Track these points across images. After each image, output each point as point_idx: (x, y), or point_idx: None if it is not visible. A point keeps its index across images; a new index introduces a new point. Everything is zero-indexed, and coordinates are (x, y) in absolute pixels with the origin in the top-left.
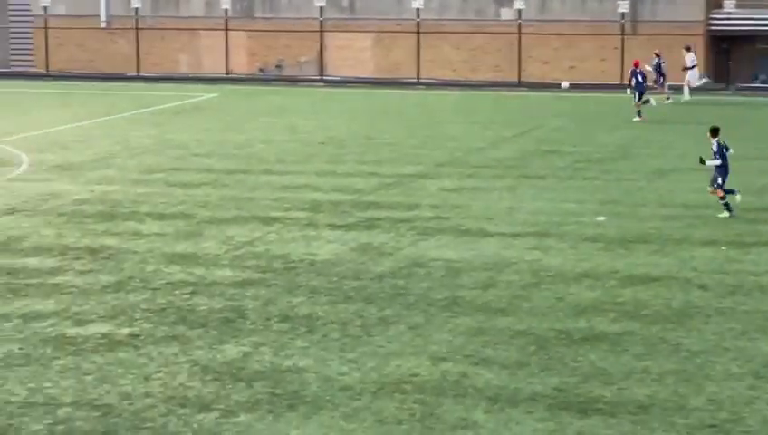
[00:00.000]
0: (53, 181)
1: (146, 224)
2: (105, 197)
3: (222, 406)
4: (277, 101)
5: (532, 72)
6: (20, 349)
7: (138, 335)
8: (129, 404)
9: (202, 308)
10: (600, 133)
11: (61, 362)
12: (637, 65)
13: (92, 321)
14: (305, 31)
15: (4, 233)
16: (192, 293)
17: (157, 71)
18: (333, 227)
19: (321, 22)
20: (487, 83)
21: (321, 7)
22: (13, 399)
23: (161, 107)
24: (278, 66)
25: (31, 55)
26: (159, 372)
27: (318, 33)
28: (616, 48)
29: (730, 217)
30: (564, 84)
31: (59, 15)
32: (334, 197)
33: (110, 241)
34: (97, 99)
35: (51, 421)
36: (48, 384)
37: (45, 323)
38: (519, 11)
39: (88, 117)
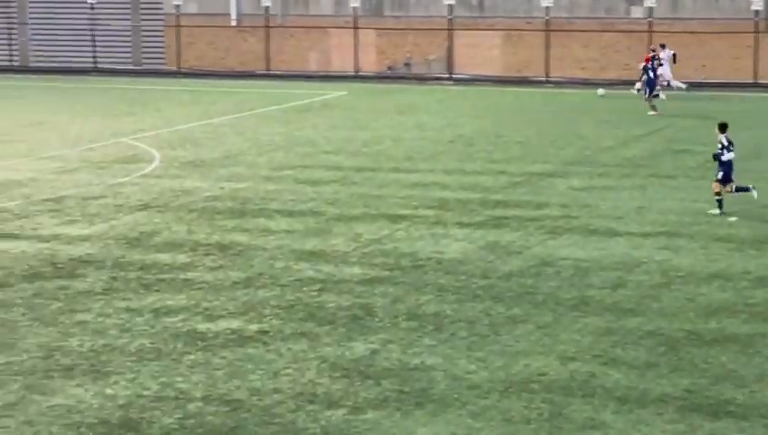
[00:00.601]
0: (184, 178)
1: (275, 221)
2: (235, 193)
3: (350, 403)
4: (405, 99)
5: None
6: (152, 343)
7: (267, 331)
8: (259, 400)
9: (330, 305)
10: (731, 132)
11: (191, 356)
12: (648, 61)
13: (222, 316)
14: (434, 29)
15: (137, 229)
16: (321, 290)
17: (286, 69)
18: (461, 225)
19: (449, 20)
20: (617, 82)
21: (450, 5)
22: (145, 393)
23: (290, 105)
24: (406, 64)
25: (162, 53)
26: (288, 368)
27: (447, 32)
28: (749, 46)
29: (720, 214)
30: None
31: (190, 14)
32: (462, 195)
33: (239, 238)
34: (227, 96)
35: (181, 415)
36: (179, 379)
37: (176, 319)
38: (650, 9)
39: (218, 114)
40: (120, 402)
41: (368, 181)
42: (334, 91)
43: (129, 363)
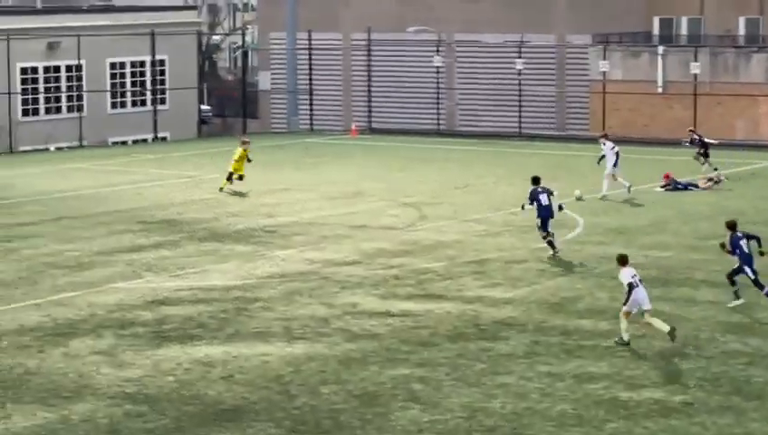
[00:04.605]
0: (608, 245)
1: (700, 291)
2: (659, 262)
3: None
4: None
5: None
6: (573, 409)
7: (691, 404)
8: None
9: (758, 380)
10: None
11: (613, 425)
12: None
13: (645, 386)
14: None
15: (559, 294)
16: (748, 363)
17: (712, 136)
18: None
19: None
20: None
21: None
22: None
23: (715, 173)
24: None
25: (586, 119)
26: None
27: None
28: None
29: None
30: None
31: (615, 80)
32: None
33: (663, 307)
34: (652, 164)
35: None
36: None
37: (598, 386)
38: None
39: (643, 182)
40: None
41: None
42: (763, 161)
43: (549, 428)
